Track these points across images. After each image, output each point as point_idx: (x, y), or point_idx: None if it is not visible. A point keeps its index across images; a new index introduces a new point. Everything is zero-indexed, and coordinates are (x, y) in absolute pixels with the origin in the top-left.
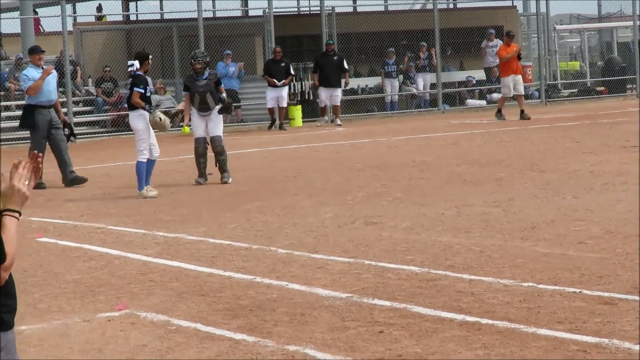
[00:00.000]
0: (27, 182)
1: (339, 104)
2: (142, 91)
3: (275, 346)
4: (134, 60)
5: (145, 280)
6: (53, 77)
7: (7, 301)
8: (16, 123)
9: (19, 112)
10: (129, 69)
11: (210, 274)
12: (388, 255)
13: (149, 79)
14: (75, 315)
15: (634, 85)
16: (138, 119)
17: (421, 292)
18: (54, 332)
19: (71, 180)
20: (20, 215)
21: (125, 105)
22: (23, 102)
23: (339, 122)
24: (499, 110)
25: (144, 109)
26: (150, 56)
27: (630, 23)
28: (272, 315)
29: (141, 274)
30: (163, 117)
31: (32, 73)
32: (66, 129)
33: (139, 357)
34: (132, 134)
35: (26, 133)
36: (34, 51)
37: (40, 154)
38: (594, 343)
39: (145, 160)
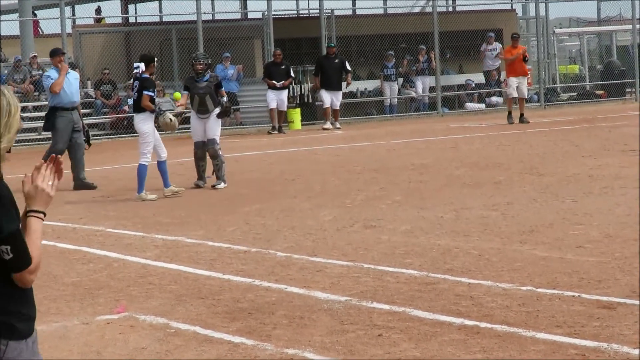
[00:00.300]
0: (50, 183)
1: (338, 107)
2: (152, 94)
3: (274, 349)
4: (140, 62)
5: (144, 283)
6: (75, 79)
7: (24, 309)
8: None
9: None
10: (135, 71)
11: (209, 277)
12: (387, 259)
13: None
14: (74, 317)
15: (633, 89)
16: (145, 122)
17: (420, 295)
18: (53, 334)
19: (80, 184)
20: (45, 215)
21: (125, 108)
22: (22, 105)
23: (338, 125)
24: (510, 113)
25: (153, 111)
26: (155, 58)
27: (630, 27)
28: (271, 318)
29: (140, 276)
30: (173, 118)
31: (54, 74)
32: (82, 135)
33: (138, 359)
34: (132, 136)
35: (25, 135)
36: (55, 53)
37: (59, 156)
38: (593, 347)
39: (147, 164)
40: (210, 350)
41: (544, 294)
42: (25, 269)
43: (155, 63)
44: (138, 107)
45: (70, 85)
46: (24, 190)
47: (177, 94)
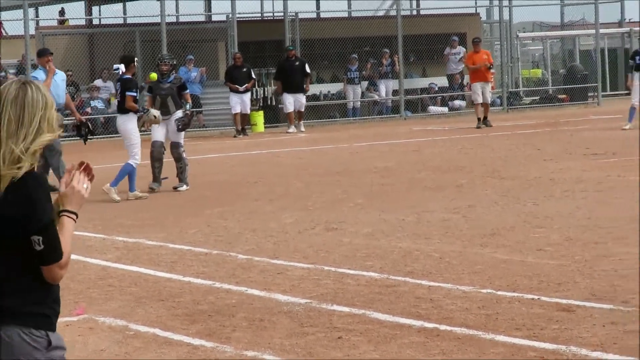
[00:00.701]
0: (85, 185)
1: (302, 109)
2: (135, 94)
3: (234, 351)
4: (119, 64)
5: (104, 285)
6: (62, 80)
7: (56, 305)
8: None
9: None
10: (115, 72)
11: (169, 279)
12: (348, 261)
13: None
14: None
15: (595, 93)
16: (130, 122)
17: (380, 298)
18: None
19: None
20: (77, 217)
21: (87, 110)
22: None
23: (302, 127)
24: (479, 119)
25: (137, 112)
26: (136, 59)
27: (593, 31)
28: (231, 320)
29: (100, 278)
30: (157, 114)
31: (41, 75)
32: (83, 128)
33: None
34: (94, 138)
35: None
36: (43, 54)
37: (87, 162)
38: (552, 349)
39: (135, 166)
40: (170, 353)
41: (504, 296)
42: (55, 263)
43: (135, 63)
44: (122, 108)
45: (57, 87)
46: (60, 191)
47: (153, 75)
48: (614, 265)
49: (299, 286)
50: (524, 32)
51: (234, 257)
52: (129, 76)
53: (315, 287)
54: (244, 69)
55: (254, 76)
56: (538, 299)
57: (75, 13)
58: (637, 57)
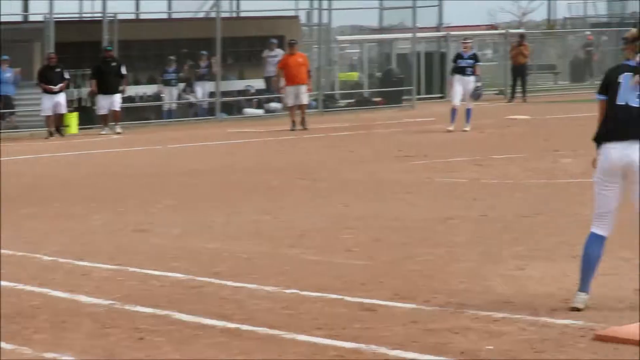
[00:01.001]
0: None
1: (118, 109)
2: None
3: (33, 353)
4: None
5: None
6: None
7: None
8: None
9: None
10: None
11: None
12: (154, 263)
13: None
14: None
15: (410, 96)
16: None
17: (184, 298)
18: None
19: None
20: None
21: None
22: None
23: (118, 129)
24: (293, 122)
25: None
26: None
27: (410, 35)
28: (32, 322)
29: None
30: None
31: None
32: None
33: None
34: None
35: None
36: None
37: None
38: (352, 348)
39: None
40: None
41: (308, 296)
42: None
43: None
44: None
45: None
46: None
47: None
48: (419, 265)
49: (103, 287)
50: (343, 35)
51: (39, 259)
52: None
53: (119, 288)
54: (58, 70)
55: (67, 77)
56: (342, 299)
57: None
58: (459, 60)
